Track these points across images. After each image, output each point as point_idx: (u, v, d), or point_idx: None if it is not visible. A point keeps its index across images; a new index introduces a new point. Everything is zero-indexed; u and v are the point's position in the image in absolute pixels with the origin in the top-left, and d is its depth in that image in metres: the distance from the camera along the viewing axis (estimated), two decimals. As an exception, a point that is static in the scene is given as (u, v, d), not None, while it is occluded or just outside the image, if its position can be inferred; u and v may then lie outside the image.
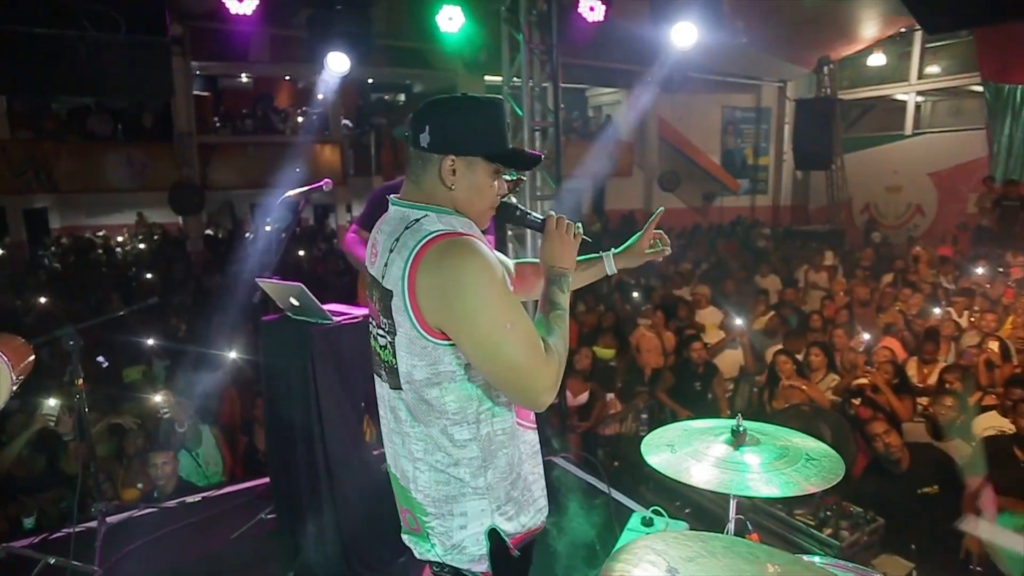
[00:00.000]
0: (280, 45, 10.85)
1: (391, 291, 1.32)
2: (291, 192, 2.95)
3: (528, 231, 5.18)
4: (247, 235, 10.93)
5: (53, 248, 11.83)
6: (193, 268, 10.00)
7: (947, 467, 3.66)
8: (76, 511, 2.92)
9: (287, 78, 15.14)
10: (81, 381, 2.91)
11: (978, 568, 3.19)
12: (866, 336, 5.66)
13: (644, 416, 4.98)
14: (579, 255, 1.55)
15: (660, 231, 1.73)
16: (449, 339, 1.30)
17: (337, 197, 13.89)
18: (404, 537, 1.53)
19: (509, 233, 5.30)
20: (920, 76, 13.38)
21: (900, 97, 13.87)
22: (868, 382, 4.54)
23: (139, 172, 11.38)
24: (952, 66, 12.94)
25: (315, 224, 15.12)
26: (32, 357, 2.41)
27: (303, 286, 2.60)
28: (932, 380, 4.86)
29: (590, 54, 10.37)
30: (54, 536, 3.12)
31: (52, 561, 2.72)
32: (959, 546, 3.28)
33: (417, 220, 1.35)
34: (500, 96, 2.12)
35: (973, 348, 5.26)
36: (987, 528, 3.13)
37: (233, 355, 4.74)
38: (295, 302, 2.70)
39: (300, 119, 13.40)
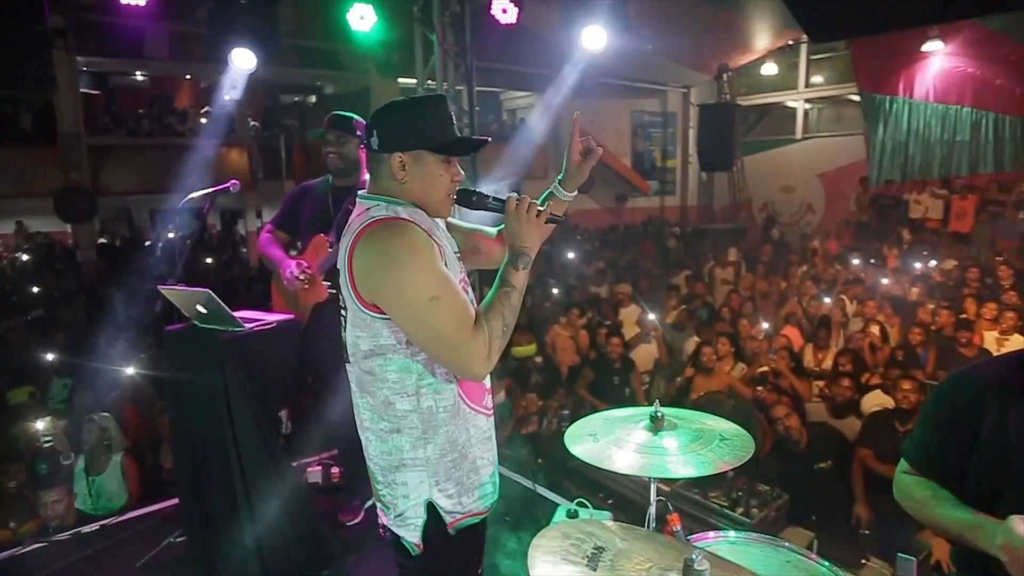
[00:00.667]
0: (180, 41, 10.21)
1: (340, 270, 1.47)
2: (195, 195, 2.79)
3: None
4: (147, 243, 10.23)
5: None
6: (85, 279, 9.25)
7: (839, 443, 4.04)
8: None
9: (188, 77, 14.28)
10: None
11: (867, 532, 3.58)
12: (765, 325, 6.05)
13: (565, 412, 5.08)
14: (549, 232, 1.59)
15: (585, 138, 1.68)
16: (384, 313, 1.41)
17: (246, 202, 13.25)
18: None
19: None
20: (807, 85, 14.54)
21: (790, 104, 14.97)
22: (769, 369, 4.89)
23: (17, 177, 10.40)
24: (833, 76, 14.13)
25: (222, 230, 14.37)
26: None
27: (210, 292, 2.47)
28: (827, 364, 5.27)
29: (504, 58, 10.43)
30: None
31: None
32: (851, 513, 3.67)
33: (368, 209, 1.49)
34: (442, 93, 2.09)
35: (859, 333, 5.74)
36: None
37: (131, 371, 4.42)
38: (202, 309, 2.55)
39: (203, 120, 12.68)
